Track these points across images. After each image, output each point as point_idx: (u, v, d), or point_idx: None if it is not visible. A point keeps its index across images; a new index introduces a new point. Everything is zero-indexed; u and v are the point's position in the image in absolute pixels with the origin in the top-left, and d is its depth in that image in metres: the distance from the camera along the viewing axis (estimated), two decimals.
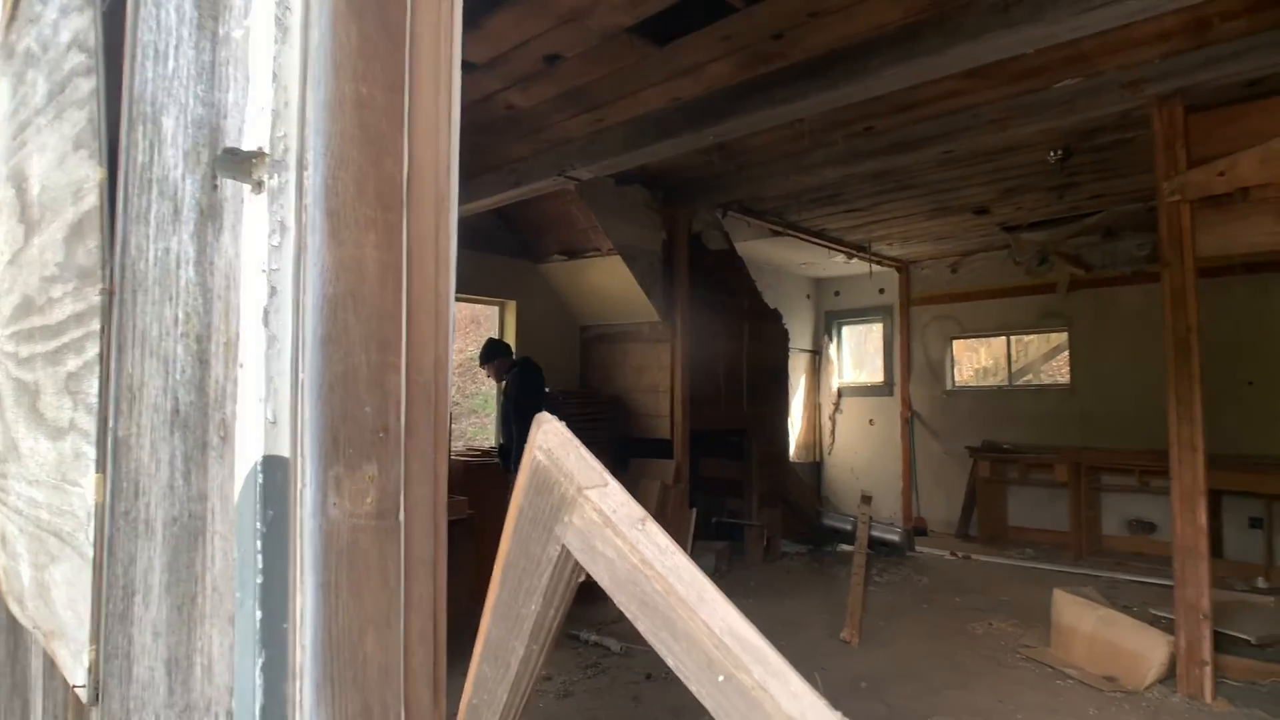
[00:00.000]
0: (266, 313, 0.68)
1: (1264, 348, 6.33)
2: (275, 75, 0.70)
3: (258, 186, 0.70)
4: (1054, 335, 8.20)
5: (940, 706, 3.61)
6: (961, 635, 4.74)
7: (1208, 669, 3.63)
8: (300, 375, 0.68)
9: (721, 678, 0.42)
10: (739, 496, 7.07)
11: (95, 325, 1.10)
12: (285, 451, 0.68)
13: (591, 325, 6.71)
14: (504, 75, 3.83)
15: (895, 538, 7.17)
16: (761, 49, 3.45)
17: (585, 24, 3.26)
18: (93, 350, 1.11)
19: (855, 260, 8.40)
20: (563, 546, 0.49)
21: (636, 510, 0.50)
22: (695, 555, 6.19)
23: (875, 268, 8.74)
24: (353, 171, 0.72)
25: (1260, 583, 5.76)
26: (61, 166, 1.24)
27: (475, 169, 5.18)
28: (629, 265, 5.81)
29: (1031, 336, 8.49)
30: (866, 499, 6.47)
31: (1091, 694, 3.75)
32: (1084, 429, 7.57)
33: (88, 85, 1.14)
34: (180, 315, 0.88)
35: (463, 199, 5.34)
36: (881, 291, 9.39)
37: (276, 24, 0.70)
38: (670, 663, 0.45)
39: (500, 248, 6.28)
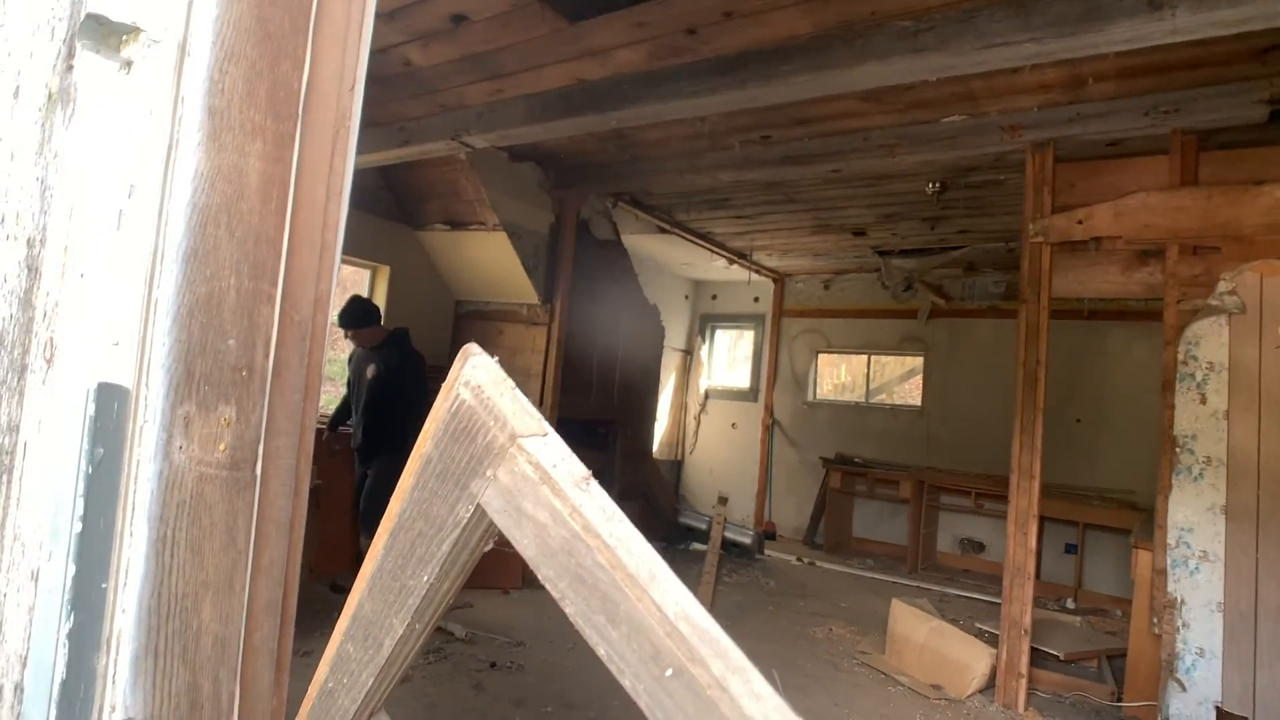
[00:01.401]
0: (121, 214, 0.58)
1: (1093, 389, 7.12)
2: None
3: (126, 66, 0.59)
4: (910, 359, 8.82)
5: None
6: (803, 639, 4.97)
7: (1023, 681, 3.96)
8: (154, 293, 0.58)
9: (670, 671, 0.37)
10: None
11: None
12: (127, 381, 0.58)
13: (467, 301, 6.50)
14: (405, 29, 3.61)
15: (747, 540, 7.45)
16: (674, 41, 3.46)
17: None
18: None
19: (735, 266, 8.65)
20: (477, 506, 0.43)
21: (579, 468, 0.45)
22: None
23: (754, 276, 9.06)
24: (244, 68, 0.62)
25: (1069, 603, 6.45)
26: None
27: (363, 121, 4.86)
28: (513, 243, 5.67)
29: (890, 357, 9.08)
30: (723, 500, 6.68)
31: (919, 700, 4.02)
32: (929, 450, 8.19)
33: None
34: (9, 213, 0.73)
35: None
36: (756, 300, 9.74)
37: None
38: (601, 651, 0.40)
39: (378, 209, 5.94)
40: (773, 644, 4.78)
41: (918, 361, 8.70)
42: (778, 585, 6.46)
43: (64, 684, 0.58)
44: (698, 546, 7.46)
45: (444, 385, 0.47)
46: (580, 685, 3.72)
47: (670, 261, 9.06)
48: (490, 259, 5.89)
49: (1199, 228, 3.73)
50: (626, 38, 3.48)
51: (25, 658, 0.62)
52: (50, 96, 0.70)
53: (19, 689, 0.63)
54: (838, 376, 9.86)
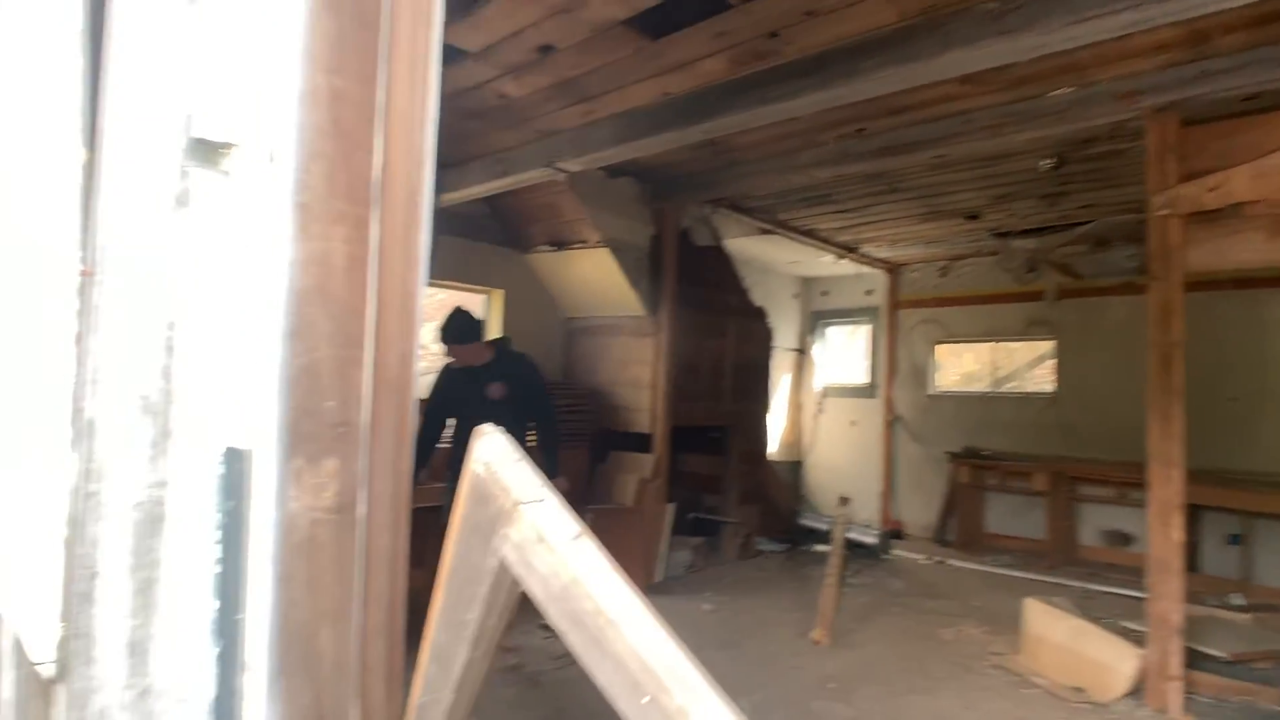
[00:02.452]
0: (234, 304, 0.68)
1: (1249, 364, 6.41)
2: (250, 66, 0.70)
3: (226, 175, 0.70)
4: (1039, 343, 8.27)
5: (905, 710, 3.66)
6: (931, 640, 4.79)
7: (1177, 684, 3.65)
8: (265, 368, 0.68)
9: (646, 699, 0.43)
10: (717, 493, 7.10)
11: (73, 307, 1.09)
12: (247, 443, 0.68)
13: (576, 317, 6.71)
14: (497, 64, 3.81)
15: (872, 540, 7.24)
16: (756, 46, 3.45)
17: (579, 15, 3.25)
18: (69, 331, 1.11)
19: (844, 261, 8.43)
20: (501, 560, 0.50)
21: (572, 526, 0.50)
22: (671, 551, 6.21)
23: (864, 269, 8.78)
24: (323, 165, 0.72)
25: (1236, 599, 5.83)
26: (44, 148, 1.23)
27: (463, 156, 5.15)
28: (616, 258, 5.80)
29: (1017, 343, 8.55)
30: (845, 500, 6.51)
31: (1057, 704, 3.79)
32: (1065, 438, 7.64)
33: (74, 69, 1.13)
34: (152, 301, 0.88)
35: (451, 186, 5.31)
36: (869, 293, 9.43)
37: (253, 15, 0.70)
38: (598, 680, 0.46)
39: (487, 236, 6.25)
40: (899, 646, 4.63)
41: (1047, 346, 8.13)
42: (905, 585, 6.24)
43: (216, 700, 0.69)
44: (820, 548, 7.31)
45: (466, 461, 0.54)
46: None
47: (776, 261, 8.95)
48: (595, 275, 6.06)
49: None
50: (708, 48, 3.51)
51: (185, 677, 0.74)
52: (175, 199, 0.83)
53: (183, 702, 0.75)
54: (961, 366, 9.38)
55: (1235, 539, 6.21)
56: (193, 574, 0.71)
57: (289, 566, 0.70)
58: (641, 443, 6.12)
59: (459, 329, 4.13)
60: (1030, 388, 8.55)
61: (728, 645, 4.58)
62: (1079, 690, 3.91)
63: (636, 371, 6.17)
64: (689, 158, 5.36)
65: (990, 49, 2.80)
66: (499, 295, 6.37)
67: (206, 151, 0.70)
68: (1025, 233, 7.20)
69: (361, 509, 0.76)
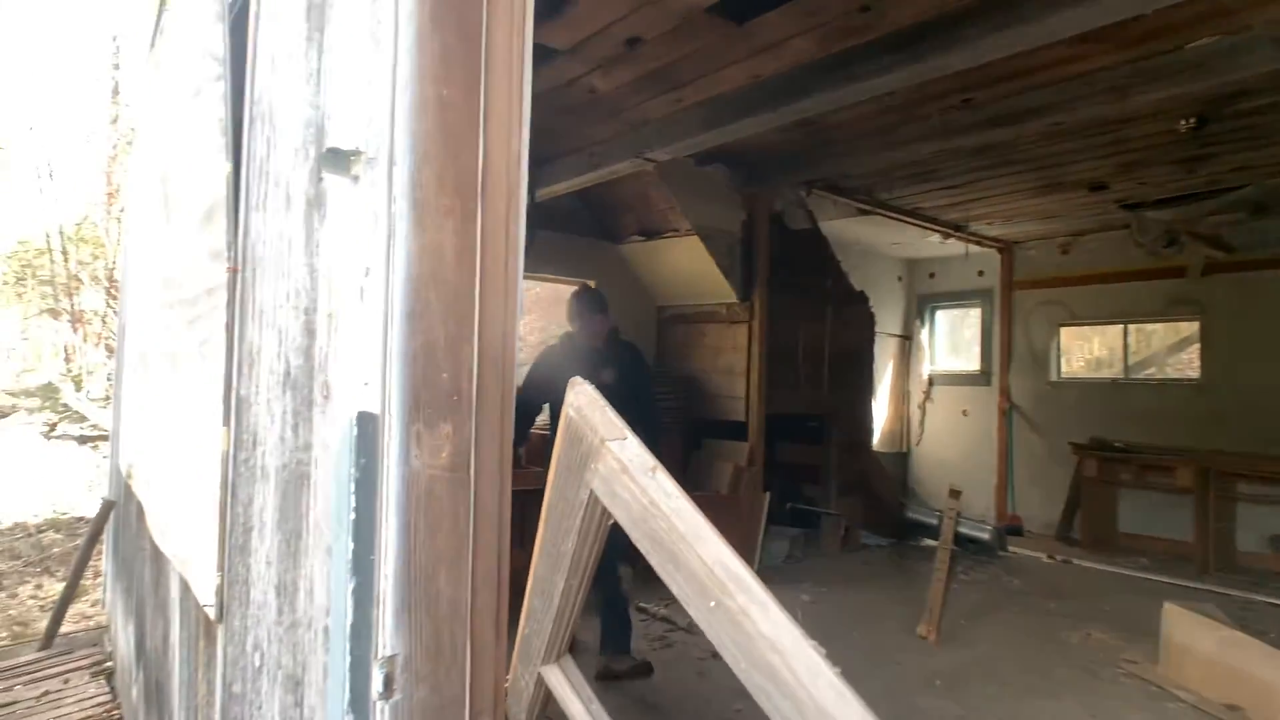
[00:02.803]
0: (362, 290, 0.80)
1: None
2: (370, 81, 0.81)
3: (354, 180, 0.81)
4: (1182, 324, 7.59)
5: (1022, 713, 3.49)
6: (1053, 643, 4.52)
7: None
8: (389, 344, 0.79)
9: (713, 603, 0.49)
10: (816, 483, 7.00)
11: (223, 299, 1.27)
12: (376, 408, 0.80)
13: (668, 305, 6.77)
14: (586, 59, 3.91)
15: (985, 536, 6.92)
16: (846, 23, 3.38)
17: (665, 5, 3.29)
18: (220, 321, 1.28)
19: (951, 240, 8.06)
20: (591, 491, 0.57)
21: (649, 459, 0.58)
22: (769, 540, 6.18)
23: (973, 248, 8.36)
24: (434, 166, 0.82)
25: None
26: (196, 160, 1.41)
27: (556, 152, 5.31)
28: (707, 245, 5.82)
29: (1155, 325, 7.89)
30: (955, 493, 6.26)
31: None
32: (1215, 430, 6.94)
33: (218, 89, 1.30)
34: (291, 291, 1.01)
35: (545, 181, 5.49)
36: (981, 274, 8.98)
37: (370, 36, 0.81)
38: (675, 591, 0.53)
39: (580, 229, 6.41)
40: (1015, 647, 4.42)
41: (1193, 327, 7.44)
42: (1023, 584, 5.94)
43: (353, 626, 0.80)
44: (929, 543, 7.08)
45: (562, 409, 0.62)
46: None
47: (877, 243, 8.67)
48: (686, 263, 6.11)
49: None
50: (797, 27, 3.47)
51: (328, 609, 0.86)
52: (309, 202, 0.96)
53: (326, 631, 0.88)
54: (1088, 351, 8.76)
55: None
56: (333, 521, 0.83)
57: (412, 516, 0.81)
58: (736, 430, 6.13)
59: (592, 299, 4.15)
60: (1171, 374, 7.89)
61: (828, 637, 4.41)
62: (1235, 709, 3.53)
63: (730, 359, 6.18)
64: (780, 140, 5.29)
65: (1107, 3, 2.61)
66: (591, 286, 6.53)
67: (338, 160, 0.82)
68: (1161, 203, 6.60)
69: (471, 469, 0.86)
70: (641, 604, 4.67)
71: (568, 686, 0.69)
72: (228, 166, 1.26)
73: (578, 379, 0.63)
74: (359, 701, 0.81)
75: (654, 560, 0.54)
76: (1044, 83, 4.11)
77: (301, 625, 0.96)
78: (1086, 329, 8.43)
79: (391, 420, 0.81)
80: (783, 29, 3.49)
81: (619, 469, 0.56)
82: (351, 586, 0.80)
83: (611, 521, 0.61)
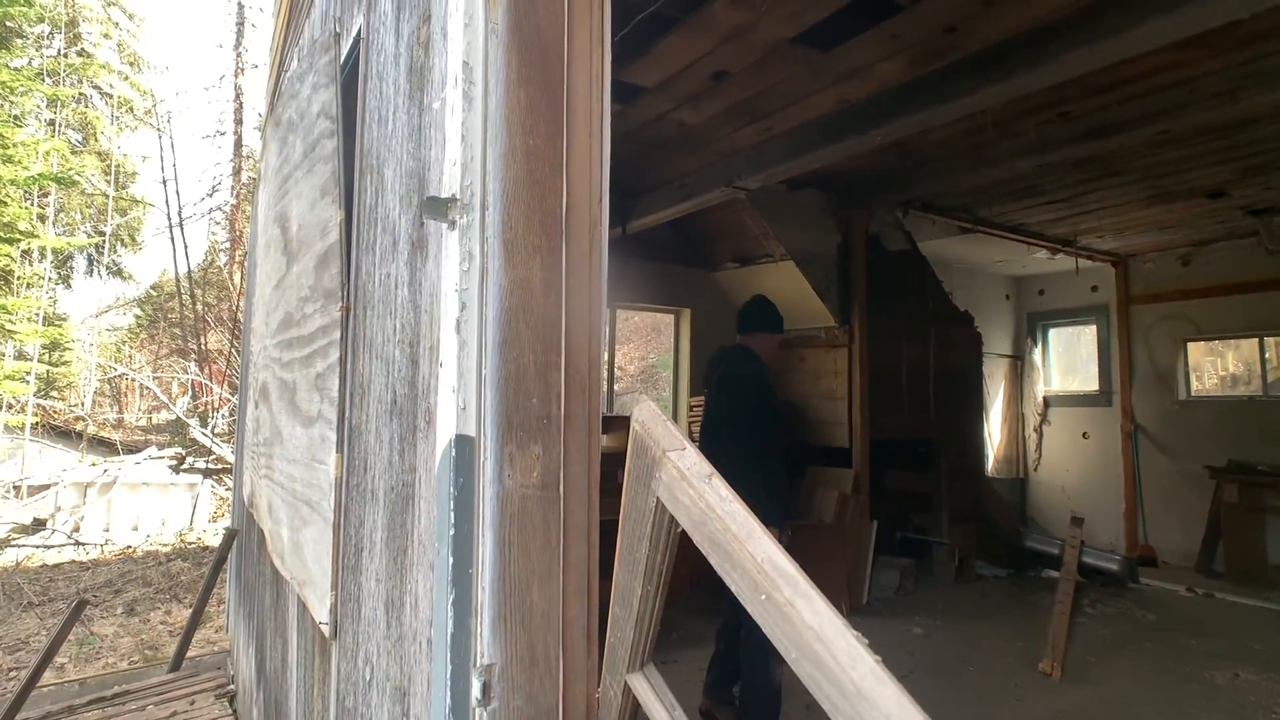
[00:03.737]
0: (459, 323, 0.87)
1: None
2: (463, 136, 0.89)
3: (451, 225, 0.89)
4: None
5: None
6: (1195, 683, 4.14)
7: None
8: (484, 372, 0.86)
9: (763, 596, 0.51)
10: (926, 511, 6.71)
11: (336, 335, 1.39)
12: (472, 431, 0.86)
13: None
14: (673, 96, 4.02)
15: (1113, 566, 6.42)
16: (933, 44, 3.34)
17: (749, 39, 3.36)
18: (334, 355, 1.41)
19: (1060, 256, 7.64)
20: (657, 498, 0.61)
21: (705, 467, 0.61)
22: (877, 571, 5.96)
23: (1084, 263, 7.90)
24: (522, 209, 0.89)
25: None
26: (313, 209, 1.57)
27: (648, 185, 5.44)
28: (803, 270, 5.78)
29: None
30: (1078, 521, 5.86)
31: None
32: None
33: (331, 144, 1.45)
34: (397, 326, 1.11)
35: (637, 213, 5.62)
36: (1094, 289, 8.46)
37: (463, 96, 0.89)
38: (732, 588, 0.56)
39: (674, 258, 6.51)
40: (1151, 687, 4.07)
41: None
42: (1159, 619, 5.47)
43: (453, 636, 0.86)
44: (1050, 574, 6.63)
45: (631, 422, 0.67)
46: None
47: (981, 261, 8.33)
48: (782, 288, 6.07)
49: None
50: (883, 51, 3.46)
51: (431, 620, 0.93)
52: (413, 246, 1.05)
53: (430, 642, 0.94)
54: (1220, 367, 8.07)
55: None
56: (435, 537, 0.90)
57: (506, 532, 0.87)
58: (840, 457, 5.98)
59: (744, 317, 3.64)
60: None
61: (941, 672, 4.31)
62: None
63: (830, 384, 6.06)
64: (873, 162, 5.23)
65: (1195, 12, 2.49)
66: (686, 314, 6.59)
67: (437, 207, 0.90)
68: None
69: (560, 487, 0.91)
70: None
71: (652, 694, 0.72)
72: (340, 214, 1.40)
73: (643, 396, 0.67)
74: (460, 708, 0.87)
75: (713, 560, 0.57)
76: (1144, 91, 3.91)
77: (407, 638, 1.04)
78: (1217, 343, 7.77)
79: (486, 442, 0.87)
80: (869, 54, 3.49)
81: (679, 476, 0.60)
82: (451, 598, 0.86)
83: (680, 530, 0.64)
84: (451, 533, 0.86)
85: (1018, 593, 6.25)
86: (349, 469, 1.34)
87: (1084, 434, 8.66)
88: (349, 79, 1.50)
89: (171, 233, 15.58)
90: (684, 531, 0.62)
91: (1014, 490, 8.96)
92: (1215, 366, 8.09)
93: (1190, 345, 7.81)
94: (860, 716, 0.45)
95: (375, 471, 1.20)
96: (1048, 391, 9.20)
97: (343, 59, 1.53)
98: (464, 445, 0.87)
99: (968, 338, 7.14)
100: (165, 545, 8.70)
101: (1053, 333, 9.28)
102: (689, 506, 0.58)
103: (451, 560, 0.86)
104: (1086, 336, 8.93)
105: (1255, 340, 7.41)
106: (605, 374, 1.09)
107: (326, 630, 1.40)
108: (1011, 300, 9.31)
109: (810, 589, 0.51)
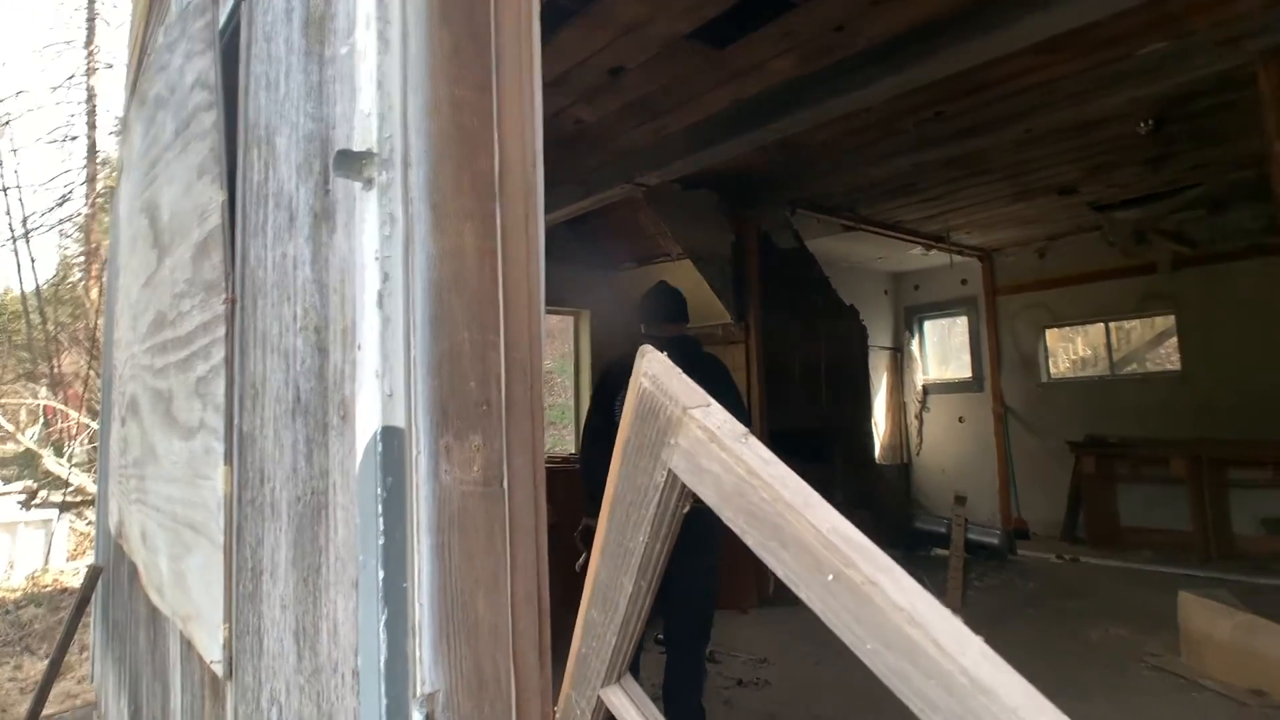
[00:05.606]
0: (381, 296, 0.75)
1: None
2: (379, 83, 0.78)
3: (368, 184, 0.77)
4: (1159, 319, 7.72)
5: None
6: (1074, 642, 4.46)
7: None
8: (412, 353, 0.75)
9: (830, 577, 0.44)
10: None
11: (221, 332, 1.21)
12: (401, 422, 0.75)
13: None
14: (571, 91, 3.94)
15: (994, 540, 6.87)
16: (824, 41, 3.43)
17: (646, 34, 3.33)
18: (219, 355, 1.23)
19: (933, 251, 8.14)
20: (669, 471, 0.52)
21: (738, 426, 0.53)
22: None
23: (956, 258, 8.44)
24: (450, 168, 0.78)
25: None
26: (188, 193, 1.37)
27: (547, 182, 5.32)
28: (699, 269, 5.84)
29: (1133, 322, 8.00)
30: (961, 500, 6.25)
31: (1234, 709, 3.43)
32: (1201, 419, 7.02)
33: (209, 118, 1.27)
34: (299, 312, 0.97)
35: None
36: (964, 283, 9.06)
37: (378, 37, 0.78)
38: (780, 572, 0.48)
39: (572, 259, 6.42)
40: (1039, 651, 4.34)
41: (1168, 321, 7.57)
42: (1037, 587, 5.88)
43: (387, 663, 0.74)
44: (939, 552, 7.00)
45: (630, 382, 0.57)
46: (830, 698, 3.66)
47: (862, 258, 8.74)
48: (679, 287, 6.10)
49: None
50: (776, 49, 3.52)
51: (356, 646, 0.80)
52: (316, 217, 0.91)
53: (356, 673, 0.81)
54: (1073, 351, 8.85)
55: None
56: (359, 549, 0.78)
57: (446, 536, 0.75)
58: None
59: (670, 306, 3.16)
60: (1153, 367, 7.97)
61: (847, 654, 4.42)
62: (1260, 694, 3.51)
63: None
64: (764, 161, 5.35)
65: (1071, 8, 2.68)
66: (586, 316, 6.51)
67: (349, 163, 0.78)
68: (1128, 203, 6.74)
69: (505, 482, 0.81)
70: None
71: (633, 709, 0.62)
72: (223, 195, 1.22)
73: (647, 345, 0.58)
74: None
75: (752, 539, 0.48)
76: (1009, 93, 4.20)
77: (325, 670, 0.90)
78: (1069, 330, 8.51)
79: (418, 434, 0.76)
80: (762, 51, 3.54)
81: (706, 438, 0.50)
82: (384, 619, 0.74)
83: (688, 509, 0.55)
84: (381, 542, 0.74)
85: (910, 572, 6.54)
86: (241, 483, 1.17)
87: (960, 418, 9.26)
88: (229, 46, 1.33)
89: (15, 246, 13.89)
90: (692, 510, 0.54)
91: (900, 475, 9.45)
92: (1069, 350, 8.86)
93: (1049, 332, 8.51)
94: (975, 715, 0.38)
95: (276, 482, 1.04)
96: (926, 380, 9.78)
97: (221, 24, 1.34)
98: (392, 439, 0.75)
99: (854, 332, 7.44)
100: (14, 591, 7.68)
101: (928, 325, 9.87)
102: (720, 475, 0.49)
103: (383, 574, 0.74)
104: (959, 327, 9.56)
105: (1102, 325, 8.17)
106: (543, 353, 0.98)
107: (219, 669, 1.22)
108: (890, 295, 9.84)
109: (891, 563, 0.44)
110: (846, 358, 7.23)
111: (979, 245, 8.38)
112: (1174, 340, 7.57)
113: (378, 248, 0.75)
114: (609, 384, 3.13)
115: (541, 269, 0.87)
